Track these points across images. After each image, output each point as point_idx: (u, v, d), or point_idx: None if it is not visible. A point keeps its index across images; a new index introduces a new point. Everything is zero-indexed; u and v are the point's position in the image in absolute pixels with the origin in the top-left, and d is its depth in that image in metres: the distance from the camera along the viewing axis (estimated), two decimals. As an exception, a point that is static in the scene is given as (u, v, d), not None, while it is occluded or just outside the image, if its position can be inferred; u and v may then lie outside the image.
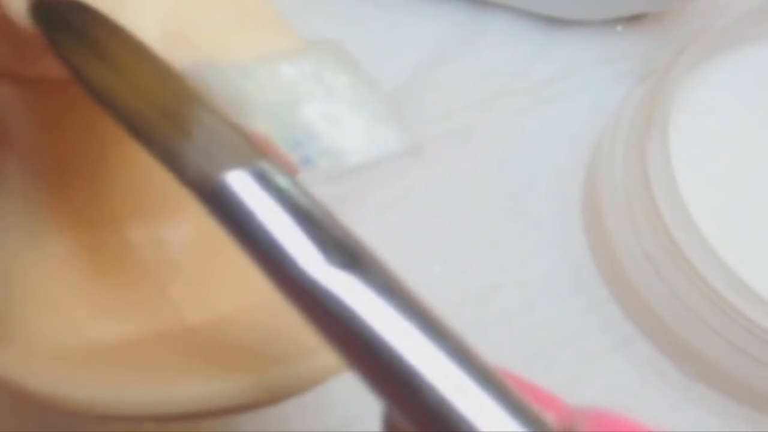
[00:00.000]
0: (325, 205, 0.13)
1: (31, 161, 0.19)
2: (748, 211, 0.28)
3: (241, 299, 0.19)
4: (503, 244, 0.28)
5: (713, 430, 0.26)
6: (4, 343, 0.19)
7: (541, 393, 0.15)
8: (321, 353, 0.17)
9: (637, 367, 0.27)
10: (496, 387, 0.12)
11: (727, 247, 0.25)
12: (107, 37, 0.15)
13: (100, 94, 0.14)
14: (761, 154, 0.29)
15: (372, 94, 0.15)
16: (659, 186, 0.25)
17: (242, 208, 0.12)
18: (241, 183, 0.13)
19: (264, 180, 0.13)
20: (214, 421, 0.21)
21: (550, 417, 0.13)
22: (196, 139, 0.13)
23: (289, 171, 0.22)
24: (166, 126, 0.13)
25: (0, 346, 0.19)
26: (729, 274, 0.24)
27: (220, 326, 0.19)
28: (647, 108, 0.27)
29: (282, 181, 0.13)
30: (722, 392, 0.27)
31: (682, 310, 0.26)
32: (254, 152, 0.13)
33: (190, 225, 0.20)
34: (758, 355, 0.25)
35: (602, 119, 0.30)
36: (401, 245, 0.27)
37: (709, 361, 0.26)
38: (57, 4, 0.15)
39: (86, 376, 0.18)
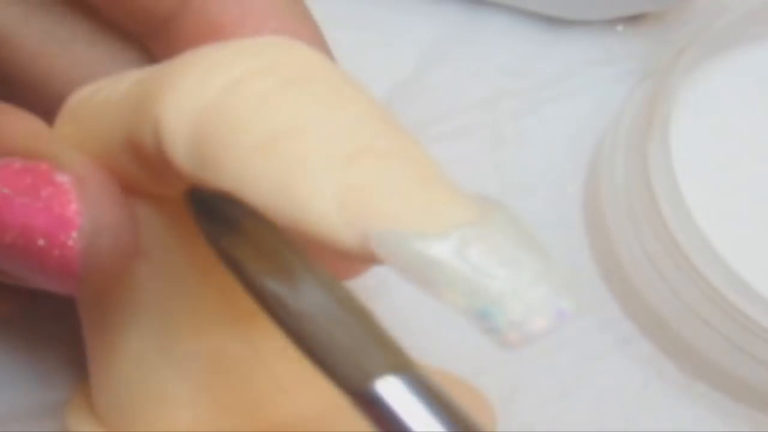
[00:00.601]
0: (470, 413, 0.14)
1: (166, 272, 0.19)
2: (748, 211, 0.28)
3: None
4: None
5: (713, 430, 0.26)
6: None
7: None
8: None
9: (637, 367, 0.27)
10: None
11: (727, 246, 0.25)
12: (263, 236, 0.15)
13: (259, 293, 0.15)
14: (762, 154, 0.29)
15: (549, 260, 0.15)
16: (660, 186, 0.25)
17: (395, 417, 0.13)
18: (392, 390, 0.13)
19: (414, 387, 0.13)
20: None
21: None
22: (348, 342, 0.14)
23: None
24: (320, 329, 0.14)
25: None
26: (730, 274, 0.24)
27: (334, 414, 0.19)
28: (648, 108, 0.27)
29: (432, 387, 0.13)
30: (723, 392, 0.27)
31: (683, 310, 0.26)
32: (403, 357, 0.14)
33: None
34: (759, 355, 0.25)
35: (603, 119, 0.30)
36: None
37: (710, 361, 0.26)
38: (211, 195, 0.15)
39: None
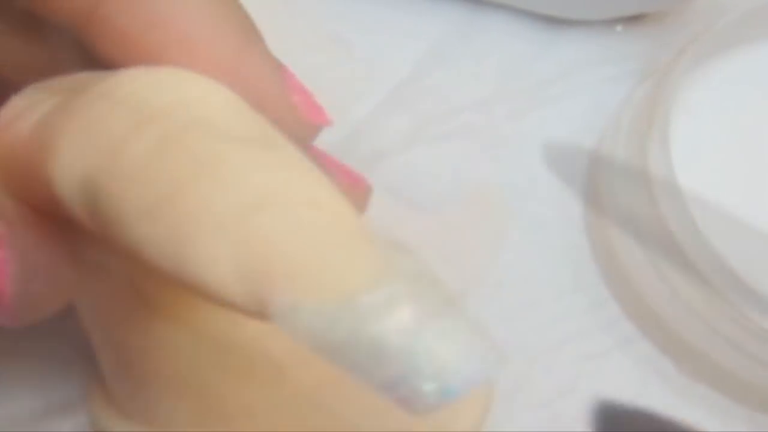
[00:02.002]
0: None
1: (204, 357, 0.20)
2: (748, 211, 0.28)
3: None
4: (504, 244, 0.28)
5: (713, 430, 0.26)
6: None
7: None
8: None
9: (637, 367, 0.27)
10: None
11: (727, 246, 0.25)
12: None
13: None
14: (762, 154, 0.29)
15: (460, 313, 0.14)
16: (660, 186, 0.25)
17: None
18: None
19: None
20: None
21: None
22: None
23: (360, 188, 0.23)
24: None
25: None
26: (729, 274, 0.24)
27: (333, 390, 0.20)
28: (648, 108, 0.27)
29: None
30: (722, 392, 0.27)
31: (683, 310, 0.26)
32: None
33: None
34: (759, 355, 0.25)
35: (602, 119, 0.30)
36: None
37: (710, 361, 0.26)
38: None
39: None
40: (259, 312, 0.14)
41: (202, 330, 0.20)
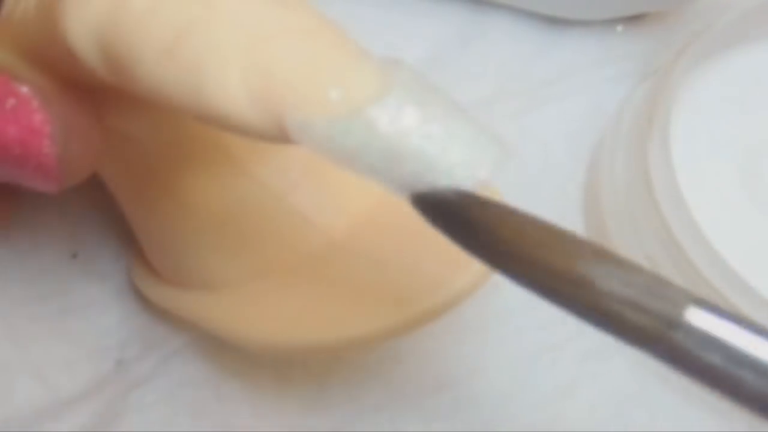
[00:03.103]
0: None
1: (159, 143, 0.21)
2: (748, 211, 0.28)
3: (368, 200, 0.22)
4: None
5: (713, 430, 0.26)
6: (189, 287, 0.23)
7: None
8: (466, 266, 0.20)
9: (637, 368, 0.27)
10: None
11: (727, 247, 0.25)
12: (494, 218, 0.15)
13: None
14: (762, 154, 0.29)
15: (461, 111, 0.15)
16: (660, 186, 0.25)
17: (713, 341, 0.14)
18: (701, 319, 0.13)
19: (717, 311, 0.14)
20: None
21: None
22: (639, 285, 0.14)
23: None
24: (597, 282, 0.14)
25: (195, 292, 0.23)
26: (729, 274, 0.24)
27: (360, 236, 0.21)
28: (648, 108, 0.27)
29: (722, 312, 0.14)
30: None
31: (683, 310, 0.26)
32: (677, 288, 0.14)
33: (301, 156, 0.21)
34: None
35: (602, 119, 0.30)
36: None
37: (710, 361, 0.26)
38: (438, 198, 0.15)
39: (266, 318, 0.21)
40: (277, 133, 0.15)
41: (230, 187, 0.21)
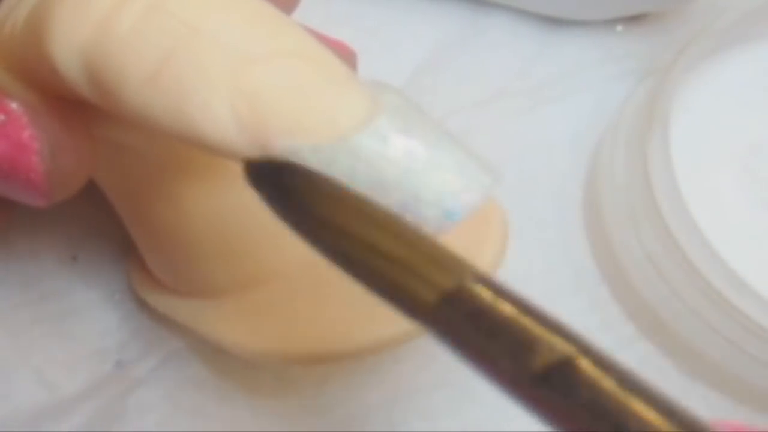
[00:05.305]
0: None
1: (149, 160, 0.21)
2: (748, 211, 0.28)
3: None
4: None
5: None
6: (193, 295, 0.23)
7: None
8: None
9: (637, 367, 0.27)
10: None
11: (727, 246, 0.25)
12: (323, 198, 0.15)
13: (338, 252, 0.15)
14: (762, 154, 0.29)
15: (449, 137, 0.15)
16: (660, 186, 0.25)
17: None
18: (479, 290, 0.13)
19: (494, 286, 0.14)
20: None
21: None
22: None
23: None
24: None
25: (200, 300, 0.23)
26: (729, 274, 0.24)
27: None
28: (648, 108, 0.27)
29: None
30: (722, 392, 0.27)
31: (683, 310, 0.26)
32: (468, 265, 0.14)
33: None
34: (758, 355, 0.25)
35: (603, 119, 0.30)
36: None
37: (710, 361, 0.26)
38: (268, 166, 0.15)
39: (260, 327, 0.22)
40: (264, 158, 0.15)
41: (227, 195, 0.21)
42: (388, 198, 0.14)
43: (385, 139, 0.14)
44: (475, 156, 0.15)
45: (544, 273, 0.28)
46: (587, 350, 0.14)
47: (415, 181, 0.14)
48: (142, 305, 0.26)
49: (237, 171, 0.21)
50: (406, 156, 0.14)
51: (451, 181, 0.14)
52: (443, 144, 0.15)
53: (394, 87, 0.16)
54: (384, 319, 0.20)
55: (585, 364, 0.13)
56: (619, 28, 0.32)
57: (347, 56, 0.25)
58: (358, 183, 0.14)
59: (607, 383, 0.13)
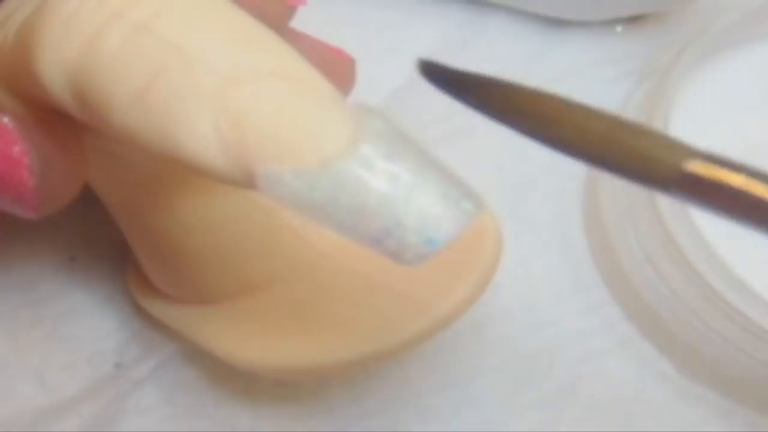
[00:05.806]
0: None
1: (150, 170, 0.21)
2: (748, 212, 0.28)
3: None
4: (503, 245, 0.28)
5: (713, 430, 0.26)
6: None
7: None
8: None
9: (636, 368, 0.27)
10: None
11: (727, 247, 0.25)
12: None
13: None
14: (761, 154, 0.29)
15: (432, 164, 0.15)
16: (659, 186, 0.25)
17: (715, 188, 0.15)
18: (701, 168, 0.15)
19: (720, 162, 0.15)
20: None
21: None
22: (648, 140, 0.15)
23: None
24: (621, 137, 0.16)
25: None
26: (729, 275, 0.24)
27: (349, 251, 0.21)
28: (648, 108, 0.27)
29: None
30: (722, 392, 0.27)
31: (682, 311, 0.26)
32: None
33: None
34: (758, 356, 0.25)
35: (602, 119, 0.30)
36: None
37: (709, 362, 0.26)
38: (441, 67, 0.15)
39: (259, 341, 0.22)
40: (248, 182, 0.15)
41: (221, 204, 0.21)
42: (370, 225, 0.14)
43: (369, 165, 0.14)
44: (459, 182, 0.15)
45: (543, 274, 0.28)
46: None
47: (397, 207, 0.14)
48: (141, 307, 0.26)
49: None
50: (389, 182, 0.14)
51: (433, 208, 0.14)
52: (427, 171, 0.15)
53: (379, 111, 0.15)
54: (378, 330, 0.20)
55: None
56: (619, 28, 0.32)
57: (345, 63, 0.24)
58: (341, 208, 0.14)
59: None
